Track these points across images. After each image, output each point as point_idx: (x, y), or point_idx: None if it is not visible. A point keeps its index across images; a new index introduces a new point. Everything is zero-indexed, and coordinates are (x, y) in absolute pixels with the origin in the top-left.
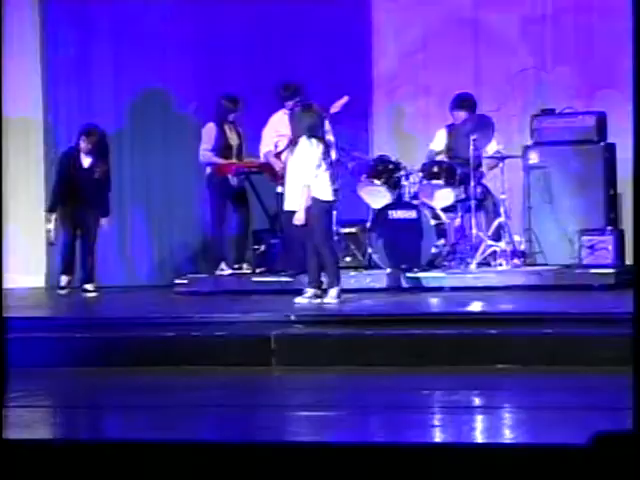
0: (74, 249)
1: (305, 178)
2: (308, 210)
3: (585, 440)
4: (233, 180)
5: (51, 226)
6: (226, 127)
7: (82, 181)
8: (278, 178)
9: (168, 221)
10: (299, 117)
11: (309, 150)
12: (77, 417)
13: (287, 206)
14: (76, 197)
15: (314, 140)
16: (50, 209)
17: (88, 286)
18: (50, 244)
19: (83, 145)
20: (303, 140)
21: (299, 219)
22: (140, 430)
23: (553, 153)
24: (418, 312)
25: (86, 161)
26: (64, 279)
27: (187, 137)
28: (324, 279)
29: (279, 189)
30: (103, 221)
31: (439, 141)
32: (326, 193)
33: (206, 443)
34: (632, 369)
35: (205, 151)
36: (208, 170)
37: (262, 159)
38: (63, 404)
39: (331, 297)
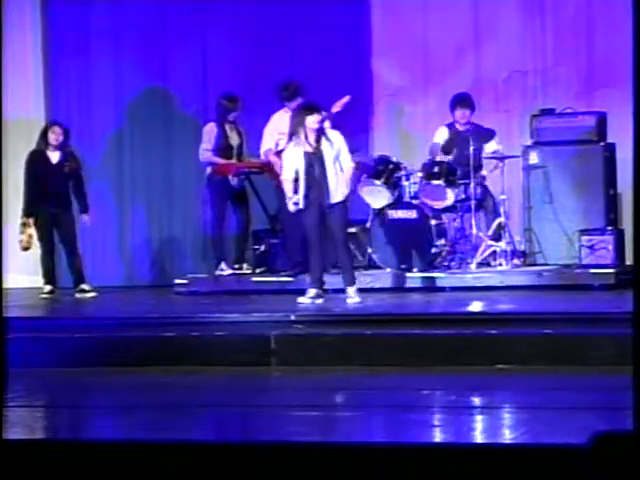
0: (54, 256)
1: (346, 162)
2: (330, 210)
3: (585, 440)
4: (233, 180)
5: (32, 231)
6: (227, 127)
7: (53, 178)
8: (277, 176)
9: (168, 221)
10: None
11: (337, 138)
12: (77, 417)
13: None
14: (49, 196)
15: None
16: (29, 213)
17: (84, 286)
18: (25, 249)
19: (52, 137)
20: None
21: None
22: (140, 430)
23: (553, 153)
24: (418, 312)
25: (54, 157)
26: (47, 288)
27: (187, 137)
28: (328, 279)
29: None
30: (84, 217)
31: (440, 136)
32: (345, 191)
33: (206, 443)
34: (632, 369)
35: (205, 151)
36: (208, 170)
37: (262, 157)
38: (63, 404)
39: (352, 294)
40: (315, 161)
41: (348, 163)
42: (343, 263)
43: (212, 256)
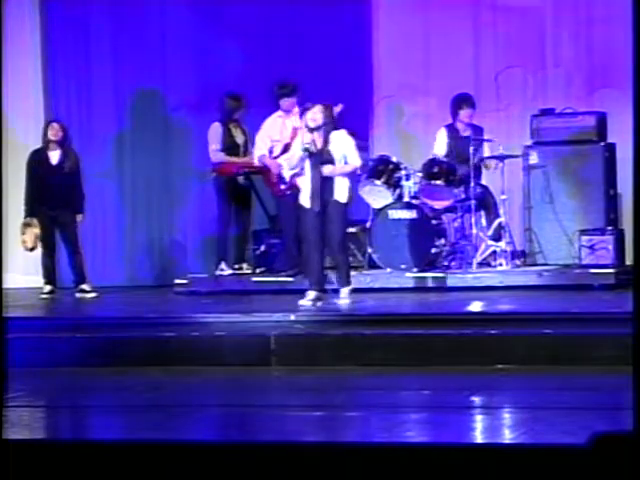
0: (54, 256)
1: (352, 160)
2: (330, 210)
3: (585, 440)
4: (240, 179)
5: (37, 230)
6: (231, 126)
7: (53, 178)
8: (272, 184)
9: (168, 221)
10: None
11: (344, 139)
12: (77, 417)
13: (337, 196)
14: (50, 196)
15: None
16: (31, 213)
17: (85, 286)
18: (31, 250)
19: (50, 133)
20: (336, 133)
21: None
22: (140, 430)
23: (553, 153)
24: (418, 312)
25: (54, 157)
26: (47, 288)
27: (187, 137)
28: (334, 279)
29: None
30: (78, 218)
31: (441, 143)
32: (346, 193)
33: (206, 443)
34: (632, 369)
35: (216, 152)
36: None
37: (257, 162)
38: (63, 404)
39: (344, 296)
40: (314, 161)
41: (354, 161)
42: (339, 264)
43: (213, 255)
